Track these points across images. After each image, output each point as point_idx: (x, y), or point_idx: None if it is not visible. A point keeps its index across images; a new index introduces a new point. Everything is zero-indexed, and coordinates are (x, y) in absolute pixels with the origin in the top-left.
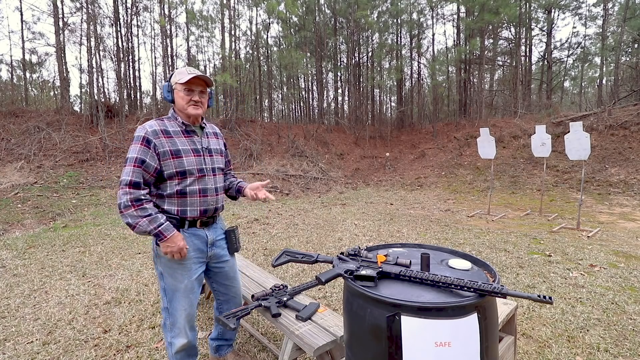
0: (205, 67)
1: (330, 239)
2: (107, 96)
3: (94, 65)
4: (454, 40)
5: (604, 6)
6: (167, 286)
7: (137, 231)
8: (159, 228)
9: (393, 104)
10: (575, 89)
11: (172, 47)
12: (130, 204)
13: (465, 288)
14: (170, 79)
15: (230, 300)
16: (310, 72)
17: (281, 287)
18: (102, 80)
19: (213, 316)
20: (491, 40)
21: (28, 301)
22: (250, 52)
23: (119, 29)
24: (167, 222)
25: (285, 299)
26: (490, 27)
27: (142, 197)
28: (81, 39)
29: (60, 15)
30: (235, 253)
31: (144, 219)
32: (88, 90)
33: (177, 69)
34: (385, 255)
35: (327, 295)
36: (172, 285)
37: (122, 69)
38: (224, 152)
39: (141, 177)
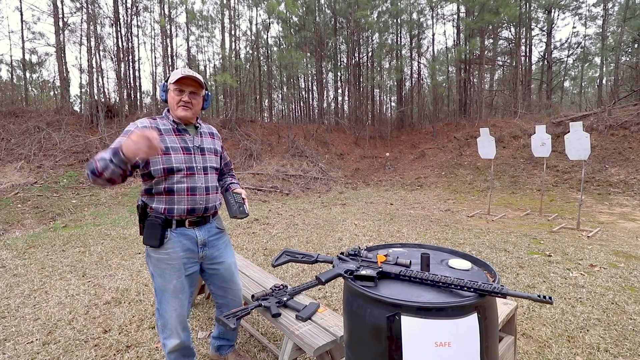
0: (205, 67)
1: (330, 239)
2: (107, 96)
3: (94, 65)
4: (454, 40)
5: (604, 6)
6: (157, 286)
7: (107, 174)
8: (113, 146)
9: (393, 104)
10: (575, 89)
11: (172, 47)
12: (90, 162)
13: (465, 288)
14: (167, 79)
15: (230, 303)
16: (310, 72)
17: (281, 287)
18: (102, 80)
19: (214, 316)
20: (491, 40)
21: (28, 301)
22: (250, 52)
23: (119, 29)
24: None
25: (285, 299)
26: (490, 27)
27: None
28: (81, 39)
29: (60, 15)
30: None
31: (99, 154)
32: (88, 90)
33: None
34: (385, 255)
35: (327, 295)
36: (161, 285)
37: (122, 69)
38: (219, 152)
39: None
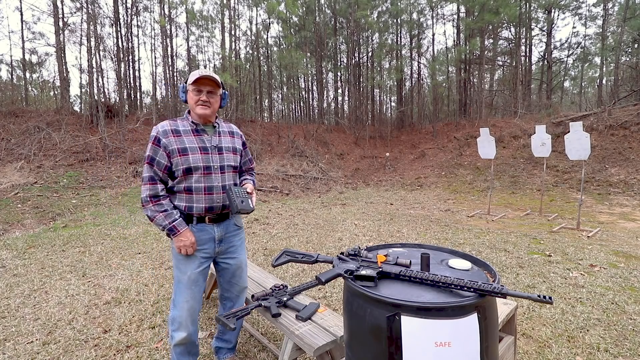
0: (205, 67)
1: (330, 239)
2: (107, 96)
3: (94, 65)
4: (454, 40)
5: (604, 6)
6: (175, 277)
7: (155, 224)
8: (173, 223)
9: (393, 104)
10: (575, 89)
11: (172, 47)
12: (149, 199)
13: (465, 288)
14: (186, 80)
15: (234, 299)
16: (310, 72)
17: (281, 287)
18: (102, 80)
19: (214, 317)
20: (491, 40)
21: (28, 301)
22: (250, 52)
23: (119, 29)
24: (181, 218)
25: (285, 299)
26: (490, 27)
27: (160, 194)
28: (81, 39)
29: (60, 15)
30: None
31: (161, 214)
32: (88, 90)
33: (194, 70)
34: (385, 255)
35: (327, 295)
36: (177, 276)
37: (122, 69)
38: (238, 151)
39: (153, 172)
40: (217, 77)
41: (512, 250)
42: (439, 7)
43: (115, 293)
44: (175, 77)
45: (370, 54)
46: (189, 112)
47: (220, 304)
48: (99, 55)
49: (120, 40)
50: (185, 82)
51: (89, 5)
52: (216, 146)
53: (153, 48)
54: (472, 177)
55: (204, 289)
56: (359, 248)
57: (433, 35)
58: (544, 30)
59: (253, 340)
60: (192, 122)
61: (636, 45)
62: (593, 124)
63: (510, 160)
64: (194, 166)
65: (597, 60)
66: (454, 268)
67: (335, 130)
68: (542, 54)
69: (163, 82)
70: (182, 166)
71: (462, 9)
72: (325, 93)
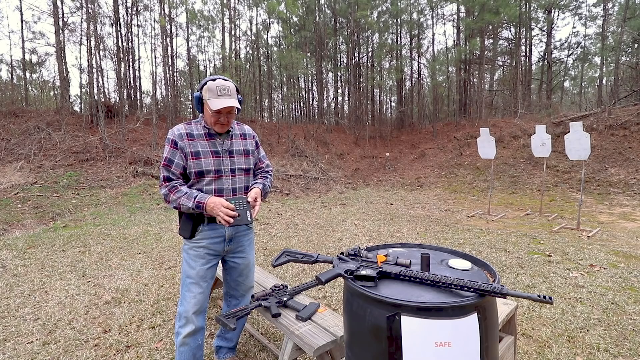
0: (205, 67)
1: (330, 239)
2: (107, 96)
3: (94, 65)
4: (454, 40)
5: (604, 6)
6: (183, 273)
7: (184, 210)
8: (196, 199)
9: (393, 104)
10: (575, 89)
11: (172, 47)
12: (168, 191)
13: (465, 288)
14: (201, 89)
15: (239, 297)
16: (310, 72)
17: (281, 287)
18: (102, 80)
19: (214, 317)
20: (491, 40)
21: (28, 301)
22: (250, 52)
23: (119, 28)
24: (200, 193)
25: (285, 299)
26: (490, 27)
27: (176, 184)
28: (81, 38)
29: (60, 15)
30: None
31: (183, 197)
32: (88, 90)
33: (209, 78)
34: (385, 255)
35: (327, 295)
36: (187, 271)
37: (122, 69)
38: (250, 152)
39: (170, 172)
40: (235, 101)
41: (512, 250)
42: (439, 7)
43: (115, 293)
44: (175, 77)
45: (370, 54)
46: (202, 116)
47: (225, 301)
48: (99, 55)
49: (120, 40)
50: (200, 90)
51: (89, 5)
52: (227, 149)
53: (153, 48)
54: (472, 177)
55: (211, 286)
56: (359, 248)
57: (433, 35)
58: (544, 30)
59: (253, 340)
60: (205, 126)
61: (636, 45)
62: (593, 124)
63: (510, 160)
64: (205, 169)
65: (597, 60)
66: (454, 268)
67: (335, 130)
68: (542, 54)
69: (163, 82)
70: (194, 169)
71: (462, 9)
72: (325, 93)
